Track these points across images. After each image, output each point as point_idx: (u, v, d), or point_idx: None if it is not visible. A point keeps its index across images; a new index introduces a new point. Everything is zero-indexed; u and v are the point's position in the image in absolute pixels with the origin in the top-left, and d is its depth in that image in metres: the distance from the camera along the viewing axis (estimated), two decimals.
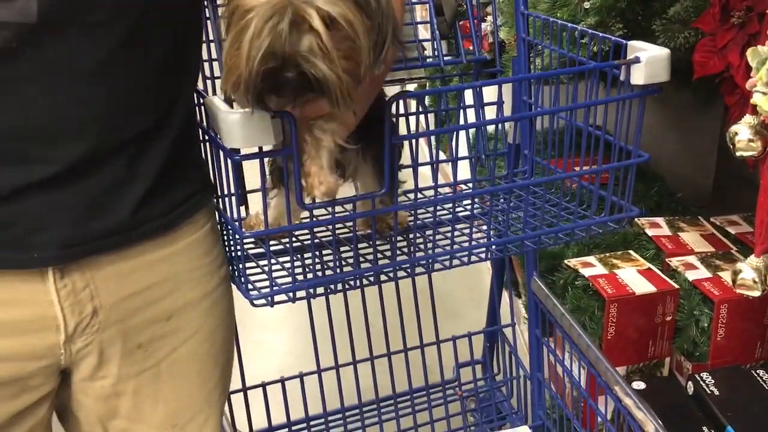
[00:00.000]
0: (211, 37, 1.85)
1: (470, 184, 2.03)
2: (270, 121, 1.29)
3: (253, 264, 1.68)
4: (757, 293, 1.36)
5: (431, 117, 2.16)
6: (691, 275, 2.44)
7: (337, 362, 2.24)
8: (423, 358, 2.39)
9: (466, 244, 1.65)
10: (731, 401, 2.07)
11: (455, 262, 1.64)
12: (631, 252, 2.61)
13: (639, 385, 2.25)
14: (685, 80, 2.59)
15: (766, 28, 1.31)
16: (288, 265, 1.58)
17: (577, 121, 1.67)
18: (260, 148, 1.35)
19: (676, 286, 2.40)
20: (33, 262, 1.23)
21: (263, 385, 2.20)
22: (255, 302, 1.52)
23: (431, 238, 1.70)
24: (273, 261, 1.56)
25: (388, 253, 1.64)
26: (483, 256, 1.71)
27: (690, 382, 2.19)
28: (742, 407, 2.05)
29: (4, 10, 1.10)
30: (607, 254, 2.61)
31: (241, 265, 1.56)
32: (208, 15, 1.86)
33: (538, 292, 2.23)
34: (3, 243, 1.20)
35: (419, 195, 1.71)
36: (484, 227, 1.77)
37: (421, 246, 1.71)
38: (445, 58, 2.02)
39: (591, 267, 2.52)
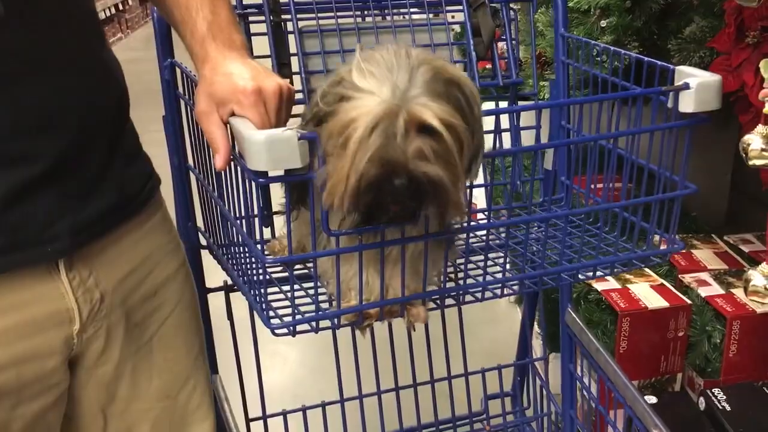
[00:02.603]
0: None
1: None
2: (297, 143, 1.09)
3: (275, 289, 1.43)
4: (766, 300, 1.29)
5: None
6: (703, 291, 2.28)
7: (360, 392, 1.89)
8: (450, 389, 2.00)
9: (499, 275, 1.39)
10: (743, 417, 1.92)
11: (487, 294, 1.38)
12: (644, 267, 2.40)
13: (650, 399, 2.06)
14: None
15: (733, 69, 1.17)
16: (312, 291, 1.34)
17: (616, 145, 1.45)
18: (286, 171, 1.14)
19: (689, 302, 2.24)
20: (47, 255, 1.15)
21: (284, 414, 1.86)
22: (276, 332, 1.27)
23: (461, 267, 1.42)
24: (296, 287, 1.33)
25: None
26: (516, 288, 1.45)
27: (702, 398, 2.04)
28: (754, 423, 1.91)
29: None
30: None
31: (262, 290, 1.31)
32: None
33: (573, 326, 1.92)
34: (17, 244, 1.12)
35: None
36: (507, 257, 1.49)
37: (452, 275, 1.45)
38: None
39: (604, 281, 2.34)
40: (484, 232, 1.52)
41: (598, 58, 1.68)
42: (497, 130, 1.72)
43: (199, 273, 1.63)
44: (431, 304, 1.38)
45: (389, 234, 1.22)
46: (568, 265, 1.39)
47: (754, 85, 1.88)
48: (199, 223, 1.63)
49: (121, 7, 10.66)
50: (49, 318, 1.18)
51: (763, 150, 1.24)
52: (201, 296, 1.62)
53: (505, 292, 1.41)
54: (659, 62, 1.36)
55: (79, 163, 1.17)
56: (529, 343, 2.13)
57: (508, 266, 1.43)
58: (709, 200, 2.94)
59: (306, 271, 1.49)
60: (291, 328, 1.27)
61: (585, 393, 1.96)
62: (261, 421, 1.80)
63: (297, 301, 1.33)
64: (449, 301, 1.42)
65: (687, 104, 1.28)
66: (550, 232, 1.54)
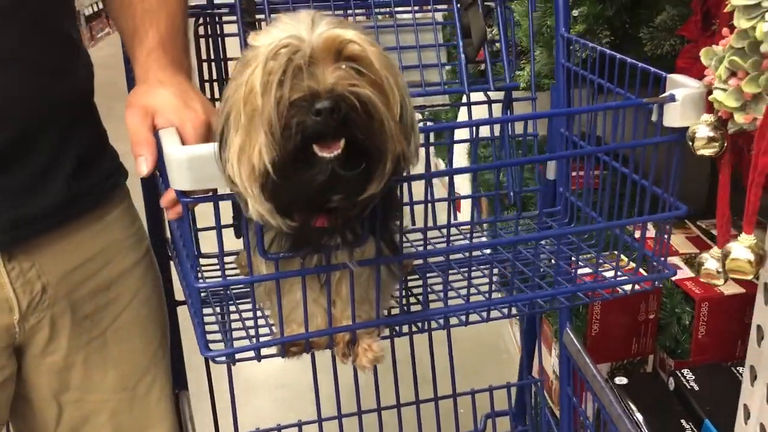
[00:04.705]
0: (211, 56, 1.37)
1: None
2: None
3: (232, 307, 1.16)
4: (720, 282, 1.10)
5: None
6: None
7: (340, 412, 1.52)
8: (437, 410, 1.62)
9: (484, 295, 1.10)
10: (710, 396, 1.72)
11: (473, 317, 1.10)
12: (616, 252, 2.16)
13: (621, 380, 1.82)
14: None
15: (722, 27, 0.97)
16: (265, 312, 1.09)
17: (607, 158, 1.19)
18: (214, 191, 0.88)
19: (659, 285, 1.95)
20: None
21: None
22: (216, 360, 1.01)
23: (431, 288, 1.15)
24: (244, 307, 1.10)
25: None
26: (506, 311, 1.14)
27: (671, 378, 1.81)
28: (721, 402, 1.67)
29: None
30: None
31: (200, 316, 1.02)
32: (201, 33, 1.35)
33: (570, 346, 1.61)
34: None
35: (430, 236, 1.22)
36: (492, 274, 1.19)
37: (434, 296, 1.15)
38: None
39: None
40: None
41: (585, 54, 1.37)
42: (493, 138, 1.41)
43: (169, 285, 1.36)
44: (386, 331, 1.10)
45: (334, 259, 0.94)
46: (544, 291, 1.13)
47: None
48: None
49: None
50: None
51: (709, 138, 1.01)
52: (170, 309, 1.35)
53: (493, 315, 1.13)
54: (653, 69, 1.07)
55: (21, 158, 1.02)
56: (528, 363, 1.81)
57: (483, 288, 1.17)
58: (689, 186, 2.70)
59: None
60: (230, 356, 1.00)
61: (582, 419, 1.69)
62: None
63: (249, 323, 1.07)
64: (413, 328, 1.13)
65: (672, 118, 0.99)
66: (537, 251, 1.28)
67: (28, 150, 1.03)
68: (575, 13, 2.06)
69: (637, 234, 1.23)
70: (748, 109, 0.94)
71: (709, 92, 0.99)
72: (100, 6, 9.08)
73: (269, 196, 0.80)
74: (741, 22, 0.86)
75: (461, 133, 1.72)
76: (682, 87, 1.00)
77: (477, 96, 1.47)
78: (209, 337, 1.02)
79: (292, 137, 0.76)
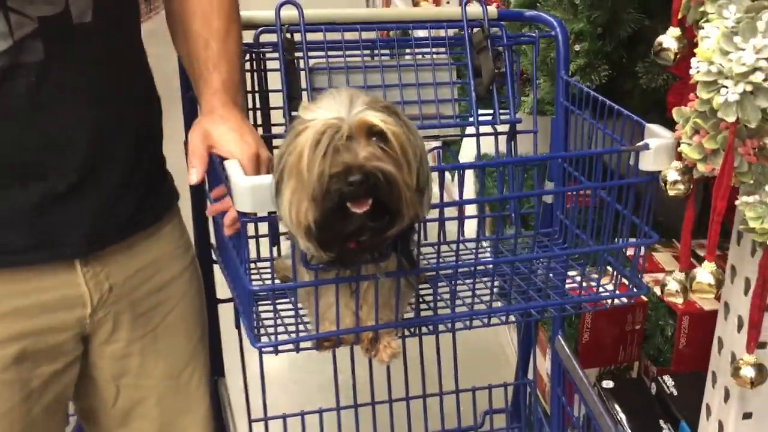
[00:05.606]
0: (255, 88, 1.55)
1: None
2: None
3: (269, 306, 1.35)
4: (680, 300, 1.30)
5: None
6: (658, 290, 2.19)
7: (356, 402, 1.77)
8: (441, 404, 1.85)
9: (486, 303, 1.31)
10: (688, 401, 1.88)
11: (476, 322, 1.30)
12: (608, 268, 2.33)
13: (608, 383, 2.01)
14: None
15: (689, 93, 1.14)
16: (303, 311, 1.30)
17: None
18: (270, 213, 1.10)
19: (645, 299, 2.15)
20: (66, 255, 1.22)
21: (284, 417, 1.78)
22: (263, 350, 1.24)
23: (441, 296, 1.35)
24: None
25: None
26: (504, 318, 1.34)
27: (654, 384, 1.99)
28: (697, 406, 1.76)
29: (22, 53, 1.08)
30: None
31: (251, 314, 1.25)
32: (247, 68, 1.52)
33: (561, 352, 1.79)
34: (43, 244, 1.18)
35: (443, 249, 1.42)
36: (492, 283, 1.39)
37: (442, 303, 1.35)
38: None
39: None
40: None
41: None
42: (498, 163, 1.62)
43: (210, 285, 1.55)
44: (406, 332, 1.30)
45: (363, 270, 1.16)
46: (536, 302, 1.33)
47: None
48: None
49: None
50: (65, 300, 1.24)
51: (677, 181, 1.22)
52: (211, 306, 1.54)
53: (493, 322, 1.32)
54: (635, 117, 1.26)
55: (98, 182, 1.20)
56: (526, 363, 1.98)
57: (485, 298, 1.34)
58: (680, 206, 2.83)
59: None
60: (274, 347, 1.23)
61: (572, 420, 1.86)
62: (262, 423, 1.72)
63: (289, 320, 1.28)
64: (424, 330, 1.34)
65: (647, 163, 1.18)
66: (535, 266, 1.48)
67: (104, 179, 1.22)
68: (577, 48, 2.23)
69: (630, 253, 1.43)
70: (708, 161, 1.12)
71: (679, 144, 1.17)
72: None
73: (312, 239, 1.04)
74: (702, 93, 1.05)
75: (470, 155, 1.91)
76: (656, 137, 1.19)
77: (486, 127, 1.65)
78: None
79: (331, 199, 1.00)
